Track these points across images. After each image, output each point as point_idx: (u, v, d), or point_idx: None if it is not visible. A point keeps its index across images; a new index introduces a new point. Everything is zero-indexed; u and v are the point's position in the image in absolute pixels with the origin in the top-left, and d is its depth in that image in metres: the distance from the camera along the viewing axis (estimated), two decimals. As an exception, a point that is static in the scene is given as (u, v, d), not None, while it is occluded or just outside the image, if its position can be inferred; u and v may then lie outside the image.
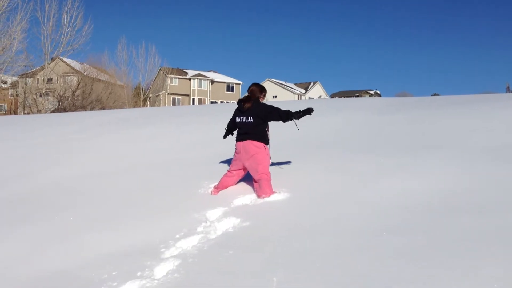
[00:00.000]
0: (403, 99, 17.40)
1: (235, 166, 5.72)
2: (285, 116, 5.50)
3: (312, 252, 3.72)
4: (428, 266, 3.21)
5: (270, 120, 5.60)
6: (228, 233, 4.45)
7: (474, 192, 4.78)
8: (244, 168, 5.66)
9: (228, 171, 5.84)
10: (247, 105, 5.55)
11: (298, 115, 5.48)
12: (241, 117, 5.62)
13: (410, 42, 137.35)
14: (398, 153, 6.75)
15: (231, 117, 5.89)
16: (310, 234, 4.14)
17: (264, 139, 5.56)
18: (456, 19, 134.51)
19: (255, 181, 5.50)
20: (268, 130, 5.68)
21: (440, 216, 4.20)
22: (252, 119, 5.51)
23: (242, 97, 5.91)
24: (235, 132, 5.83)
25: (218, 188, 5.79)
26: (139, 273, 3.73)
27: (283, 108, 5.69)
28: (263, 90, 5.76)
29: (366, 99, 17.70)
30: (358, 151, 7.32)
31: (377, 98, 18.95)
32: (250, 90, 5.72)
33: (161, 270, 3.76)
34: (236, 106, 5.78)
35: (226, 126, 6.00)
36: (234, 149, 5.74)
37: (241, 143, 5.60)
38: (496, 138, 7.09)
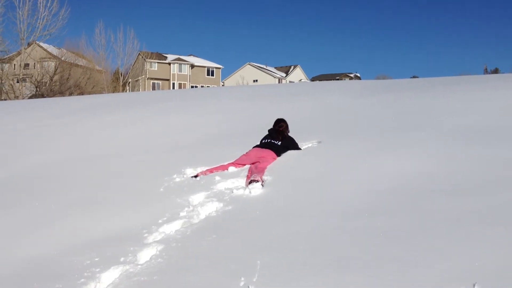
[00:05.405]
0: (382, 82, 17.54)
1: (240, 161, 6.03)
2: (298, 148, 6.60)
3: (296, 234, 3.75)
4: (408, 246, 3.26)
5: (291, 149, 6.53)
6: (211, 218, 4.45)
7: (453, 173, 4.86)
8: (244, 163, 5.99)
9: (231, 163, 6.06)
10: (281, 140, 6.46)
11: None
12: (270, 140, 6.41)
13: (389, 25, 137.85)
14: (378, 136, 6.81)
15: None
16: (293, 217, 4.17)
17: (278, 154, 6.24)
18: (434, 1, 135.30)
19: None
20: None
21: (419, 197, 4.27)
22: (280, 143, 6.42)
23: (275, 129, 6.64)
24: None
25: (210, 170, 5.89)
26: (122, 259, 3.72)
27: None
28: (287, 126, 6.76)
29: (346, 82, 17.78)
30: (339, 134, 7.37)
31: (357, 81, 19.05)
32: (282, 126, 6.62)
33: (144, 255, 3.74)
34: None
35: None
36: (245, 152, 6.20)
37: (258, 148, 6.24)
38: (474, 120, 7.20)
